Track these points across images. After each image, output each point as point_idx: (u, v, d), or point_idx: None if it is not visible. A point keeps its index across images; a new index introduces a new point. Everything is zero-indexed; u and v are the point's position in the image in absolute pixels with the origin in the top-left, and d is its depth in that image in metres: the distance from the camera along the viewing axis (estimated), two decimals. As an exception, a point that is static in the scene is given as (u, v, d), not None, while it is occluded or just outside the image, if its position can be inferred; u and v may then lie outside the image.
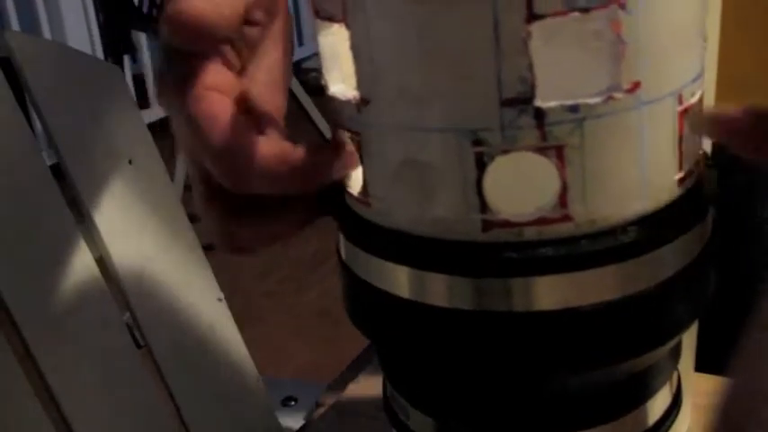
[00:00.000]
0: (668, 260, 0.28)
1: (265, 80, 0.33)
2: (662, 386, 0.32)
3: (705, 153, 0.30)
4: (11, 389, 0.51)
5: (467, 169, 0.25)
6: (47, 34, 2.76)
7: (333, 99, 0.28)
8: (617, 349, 0.28)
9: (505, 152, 0.25)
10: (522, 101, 0.24)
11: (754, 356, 0.26)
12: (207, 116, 0.28)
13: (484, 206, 0.26)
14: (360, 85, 0.26)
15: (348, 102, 0.27)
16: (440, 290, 0.28)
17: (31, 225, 0.53)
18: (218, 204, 0.32)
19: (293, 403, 0.63)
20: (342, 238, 0.31)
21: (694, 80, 0.27)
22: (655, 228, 0.27)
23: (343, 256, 0.31)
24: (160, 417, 0.58)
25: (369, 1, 0.25)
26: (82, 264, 0.56)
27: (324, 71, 0.29)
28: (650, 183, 0.26)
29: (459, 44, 0.24)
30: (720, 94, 0.41)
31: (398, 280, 0.28)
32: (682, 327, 0.30)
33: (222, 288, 0.62)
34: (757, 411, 0.25)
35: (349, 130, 0.28)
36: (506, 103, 0.24)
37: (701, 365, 0.60)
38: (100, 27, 2.92)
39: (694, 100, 0.27)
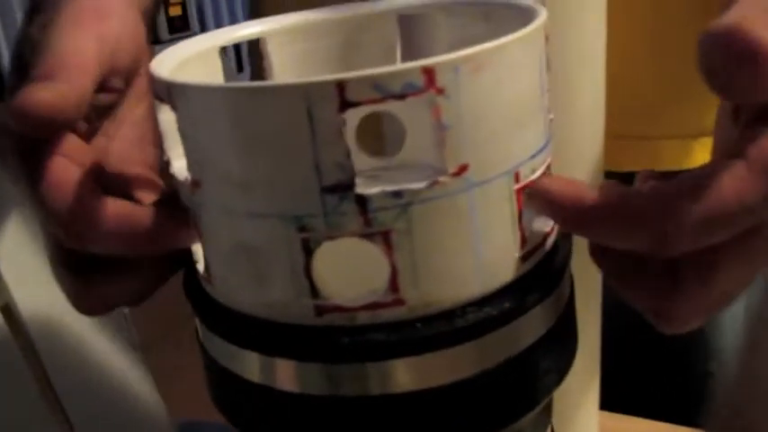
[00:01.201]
0: (519, 333, 0.27)
1: (131, 136, 0.33)
2: (531, 454, 0.31)
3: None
4: None
5: (294, 254, 0.25)
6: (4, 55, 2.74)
7: (173, 177, 0.28)
8: (479, 424, 0.28)
9: (331, 238, 0.24)
10: (343, 188, 0.23)
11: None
12: (49, 183, 0.29)
13: (315, 291, 0.25)
14: (190, 167, 0.26)
15: (184, 182, 0.27)
16: (287, 375, 0.27)
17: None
18: (69, 265, 0.31)
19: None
20: (196, 318, 0.30)
21: (534, 156, 0.26)
22: (495, 309, 0.26)
23: (200, 335, 0.30)
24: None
25: (189, 87, 0.24)
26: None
27: (165, 148, 0.28)
28: (487, 263, 0.26)
29: (276, 132, 0.23)
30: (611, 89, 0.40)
31: (247, 364, 0.28)
32: (543, 394, 0.29)
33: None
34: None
35: (187, 210, 0.27)
36: (327, 190, 0.24)
37: (612, 404, 0.60)
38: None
39: (535, 176, 0.26)
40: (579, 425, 0.47)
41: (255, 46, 0.34)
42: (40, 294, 0.58)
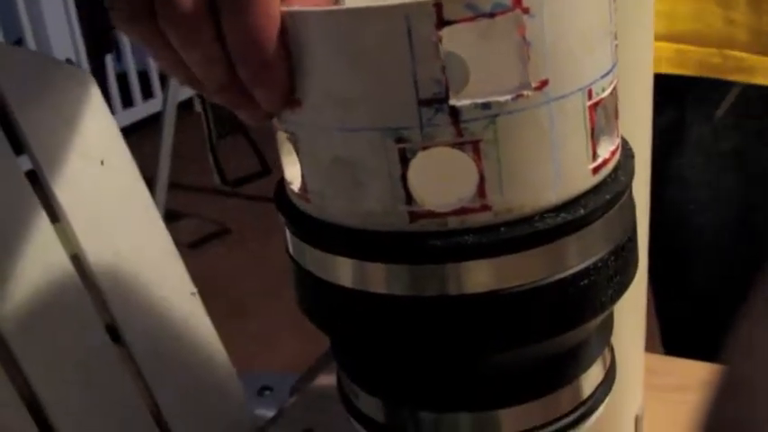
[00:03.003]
0: (588, 244, 0.30)
1: None
2: (593, 362, 0.34)
3: (624, 142, 0.33)
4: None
5: (392, 165, 0.27)
6: (29, 38, 2.77)
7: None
8: (544, 328, 0.30)
9: (426, 148, 0.27)
10: (438, 100, 0.26)
11: (748, 349, 0.27)
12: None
13: (409, 198, 0.28)
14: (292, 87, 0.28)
15: (284, 103, 0.29)
16: (377, 278, 0.30)
17: (7, 224, 0.55)
18: None
19: (268, 393, 0.65)
20: (287, 232, 0.33)
21: (604, 76, 0.29)
22: (570, 215, 0.29)
23: (290, 249, 0.33)
24: (137, 411, 0.60)
25: (295, 13, 0.27)
26: (57, 263, 0.58)
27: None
28: (563, 173, 0.28)
29: (378, 51, 0.26)
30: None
31: (339, 270, 0.31)
32: (604, 306, 0.32)
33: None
34: (753, 404, 0.26)
35: (286, 131, 0.30)
36: (423, 103, 0.26)
37: (679, 349, 0.62)
38: (82, 29, 2.92)
39: (605, 94, 0.29)
40: (624, 365, 0.50)
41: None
42: (105, 244, 0.61)
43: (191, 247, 2.30)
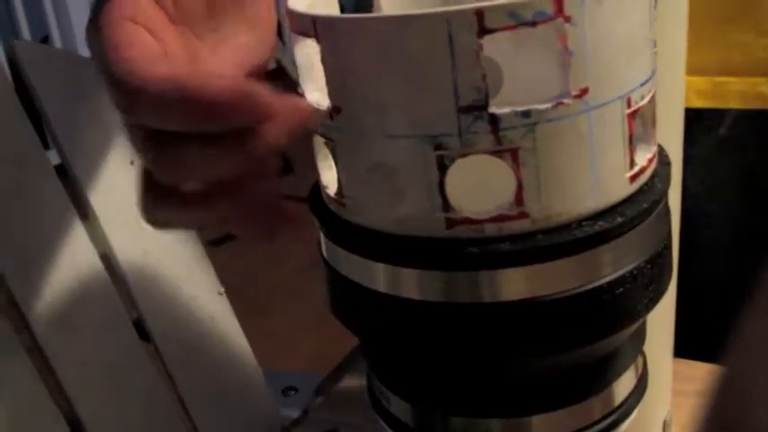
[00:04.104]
0: (623, 252, 0.30)
1: (231, 59, 0.32)
2: (626, 369, 0.34)
3: (661, 150, 0.32)
4: (22, 385, 0.53)
5: (430, 172, 0.27)
6: (56, 36, 2.80)
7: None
8: (577, 336, 0.30)
9: (464, 155, 0.27)
10: (478, 108, 0.26)
11: (746, 345, 0.27)
12: (117, 41, 0.28)
13: (447, 205, 0.28)
14: (331, 94, 0.29)
15: (322, 110, 0.29)
16: (411, 284, 0.30)
17: (36, 222, 0.56)
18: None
19: (293, 393, 0.65)
20: (322, 236, 0.33)
21: (643, 84, 0.29)
22: (608, 223, 0.29)
23: (324, 253, 0.33)
24: (165, 408, 0.60)
25: (336, 20, 0.27)
26: (87, 260, 0.58)
27: (301, 81, 0.31)
28: (602, 181, 0.28)
29: (419, 58, 0.26)
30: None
31: (373, 275, 0.31)
32: (639, 314, 0.32)
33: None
34: (748, 400, 0.26)
35: (324, 136, 0.30)
36: (463, 110, 0.26)
37: (687, 351, 0.62)
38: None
39: (644, 102, 0.29)
40: (653, 370, 0.50)
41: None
42: (134, 243, 0.61)
43: (211, 245, 2.31)
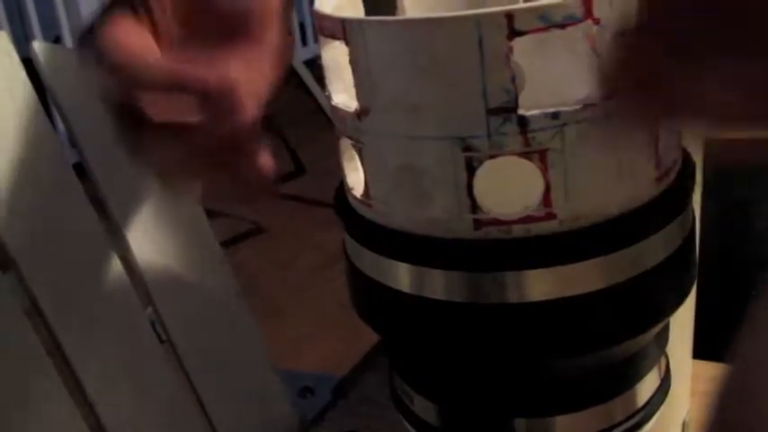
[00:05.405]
0: (648, 253, 0.30)
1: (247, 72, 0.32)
2: (649, 370, 0.34)
3: (685, 152, 0.33)
4: (42, 385, 0.54)
5: (458, 173, 0.27)
6: (67, 37, 2.81)
7: (336, 109, 0.31)
8: (602, 336, 0.30)
9: (493, 157, 0.27)
10: (507, 110, 0.26)
11: (752, 344, 0.28)
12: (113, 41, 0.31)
13: (475, 207, 0.28)
14: (359, 96, 0.29)
15: (349, 111, 0.29)
16: (437, 284, 0.30)
17: (56, 222, 0.56)
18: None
19: (310, 394, 0.66)
20: (347, 236, 0.33)
21: (669, 86, 0.29)
22: (634, 224, 0.29)
23: (349, 253, 0.33)
24: (183, 409, 0.61)
25: (365, 23, 0.27)
26: (106, 261, 0.58)
27: (327, 82, 0.31)
28: (629, 183, 0.28)
29: (449, 59, 0.26)
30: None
31: (399, 276, 0.31)
32: (663, 315, 0.32)
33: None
34: (753, 399, 0.26)
35: (351, 138, 0.30)
36: (492, 112, 0.26)
37: (704, 353, 0.62)
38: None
39: (670, 104, 0.29)
40: (674, 370, 0.50)
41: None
42: (153, 244, 0.61)
43: (224, 246, 2.31)
